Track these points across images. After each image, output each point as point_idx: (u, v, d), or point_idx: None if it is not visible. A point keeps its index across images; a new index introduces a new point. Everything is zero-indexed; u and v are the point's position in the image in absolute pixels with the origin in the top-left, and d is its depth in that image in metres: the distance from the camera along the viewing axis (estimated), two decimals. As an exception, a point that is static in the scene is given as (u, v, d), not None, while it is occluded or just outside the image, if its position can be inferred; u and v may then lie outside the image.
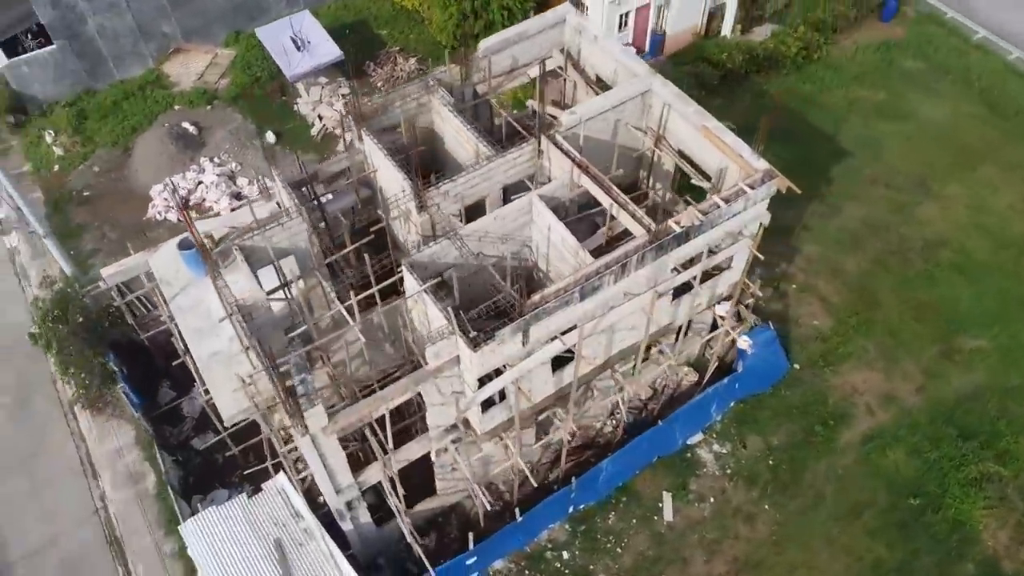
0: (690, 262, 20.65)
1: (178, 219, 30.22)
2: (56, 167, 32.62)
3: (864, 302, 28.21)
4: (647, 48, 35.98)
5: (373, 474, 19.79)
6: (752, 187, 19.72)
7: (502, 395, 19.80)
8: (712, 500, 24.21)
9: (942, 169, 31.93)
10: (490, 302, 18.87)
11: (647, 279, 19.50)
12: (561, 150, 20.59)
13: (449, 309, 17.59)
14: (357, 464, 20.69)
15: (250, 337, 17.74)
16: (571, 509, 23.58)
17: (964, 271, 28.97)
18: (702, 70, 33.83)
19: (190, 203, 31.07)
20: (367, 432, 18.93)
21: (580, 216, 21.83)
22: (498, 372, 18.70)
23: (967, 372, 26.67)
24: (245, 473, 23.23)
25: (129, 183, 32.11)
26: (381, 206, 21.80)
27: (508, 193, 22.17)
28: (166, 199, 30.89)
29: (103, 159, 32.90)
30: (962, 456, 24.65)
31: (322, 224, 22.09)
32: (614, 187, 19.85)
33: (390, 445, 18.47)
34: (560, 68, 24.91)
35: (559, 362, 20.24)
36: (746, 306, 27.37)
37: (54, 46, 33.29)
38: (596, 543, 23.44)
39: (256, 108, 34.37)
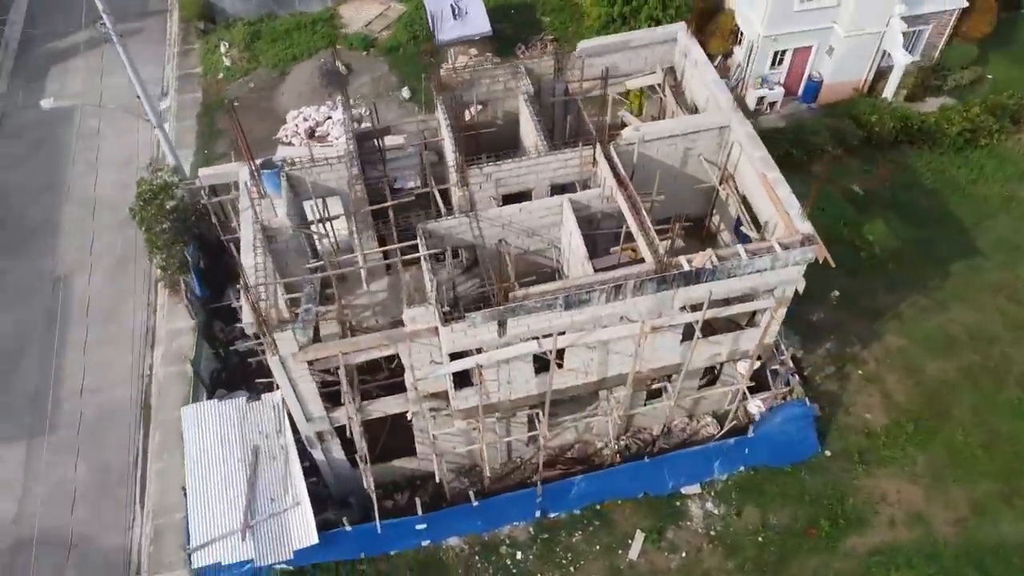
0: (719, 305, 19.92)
1: (300, 143, 32.70)
2: (220, 75, 36.23)
3: (932, 411, 25.74)
4: (800, 92, 34.32)
5: (342, 414, 20.80)
6: (784, 247, 18.66)
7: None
8: (684, 555, 23.30)
9: (1084, 298, 28.32)
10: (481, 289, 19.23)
11: (648, 309, 19.05)
12: (608, 161, 20.45)
13: (435, 279, 18.19)
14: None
15: (260, 255, 19.23)
16: (538, 514, 23.54)
17: (1065, 414, 25.71)
18: (845, 127, 31.88)
19: (315, 134, 33.49)
20: (340, 374, 19.86)
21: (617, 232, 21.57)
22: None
23: (1022, 521, 23.76)
24: (258, 381, 25.08)
25: (273, 103, 35.07)
26: (430, 173, 22.57)
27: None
28: (296, 125, 33.49)
29: (260, 77, 36.12)
30: (976, 605, 22.17)
31: (383, 177, 23.27)
32: (644, 210, 19.49)
33: (344, 387, 19.36)
34: (659, 86, 24.51)
35: (548, 366, 20.24)
36: (802, 377, 26.00)
37: (251, -32, 36.94)
38: (553, 555, 23.30)
39: (404, 63, 36.27)
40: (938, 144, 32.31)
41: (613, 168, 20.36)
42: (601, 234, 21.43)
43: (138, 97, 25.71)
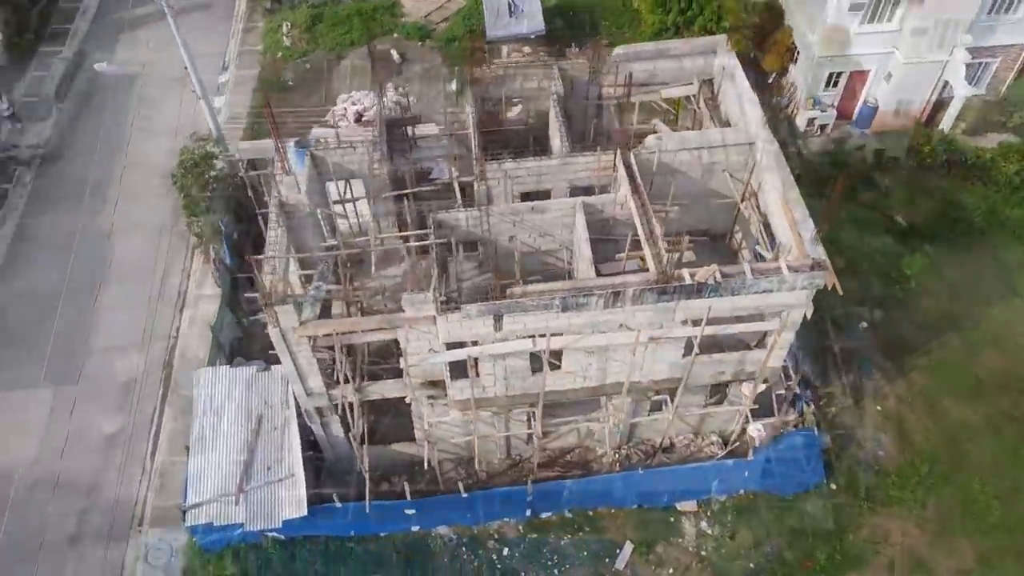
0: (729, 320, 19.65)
1: (347, 126, 33.34)
2: (279, 55, 37.20)
3: (950, 456, 24.87)
4: (854, 117, 33.43)
5: (341, 392, 21.19)
6: (792, 270, 18.30)
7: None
8: (671, 571, 23.04)
9: None
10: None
11: (648, 319, 18.92)
12: (626, 168, 20.38)
13: (437, 268, 18.45)
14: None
15: (276, 229, 19.80)
16: (528, 512, 23.57)
17: (1094, 473, 24.53)
18: (895, 155, 30.96)
19: (363, 118, 34.08)
20: (342, 355, 20.23)
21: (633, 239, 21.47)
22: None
23: (1031, 579, 22.82)
24: (272, 352, 25.70)
25: (327, 85, 35.84)
26: (456, 165, 22.82)
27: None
28: (345, 109, 34.15)
29: (317, 59, 36.96)
30: (968, 660, 21.37)
31: (410, 164, 23.65)
32: (654, 220, 19.36)
33: (338, 367, 19.75)
34: (693, 97, 24.27)
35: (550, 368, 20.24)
36: (818, 406, 25.42)
37: (320, -47, 37.80)
38: (539, 555, 23.31)
39: (458, 56, 36.58)
40: (992, 181, 31.07)
41: (630, 175, 20.28)
42: (617, 240, 21.36)
43: (185, 68, 26.65)
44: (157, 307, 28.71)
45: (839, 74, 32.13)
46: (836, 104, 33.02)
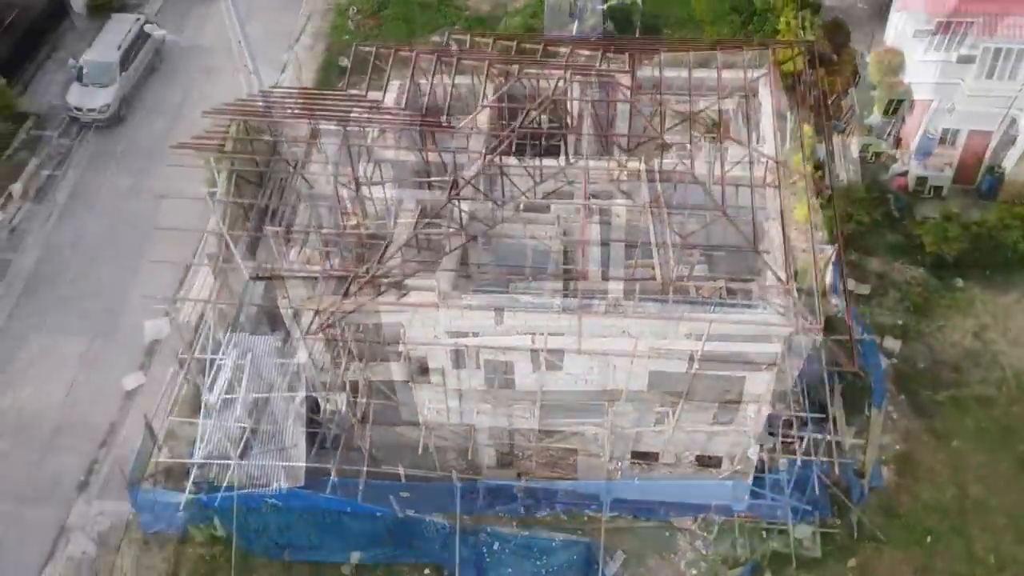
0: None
1: (396, 113, 33.86)
2: (345, 37, 38.11)
3: (962, 512, 24.02)
4: (912, 147, 32.29)
5: (344, 369, 21.59)
6: (801, 292, 17.94)
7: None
8: (658, 586, 22.88)
9: None
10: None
11: (650, 329, 18.77)
12: (648, 175, 20.25)
13: (447, 258, 18.71)
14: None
15: (296, 202, 20.36)
16: (523, 510, 23.65)
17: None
18: (936, 184, 30.04)
19: (406, 105, 34.57)
20: (349, 335, 20.60)
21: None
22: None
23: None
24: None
25: (382, 71, 36.31)
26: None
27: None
28: (394, 96, 34.66)
29: (378, 45, 37.57)
30: None
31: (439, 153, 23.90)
32: (669, 229, 19.19)
33: (342, 342, 20.14)
34: (731, 111, 23.86)
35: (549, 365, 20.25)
36: (826, 435, 24.69)
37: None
38: (528, 552, 23.33)
39: (509, 53, 36.72)
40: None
41: (651, 183, 20.14)
42: (631, 246, 21.18)
43: (239, 42, 27.47)
44: (192, 271, 29.64)
45: (899, 102, 31.17)
46: (894, 132, 32.07)
